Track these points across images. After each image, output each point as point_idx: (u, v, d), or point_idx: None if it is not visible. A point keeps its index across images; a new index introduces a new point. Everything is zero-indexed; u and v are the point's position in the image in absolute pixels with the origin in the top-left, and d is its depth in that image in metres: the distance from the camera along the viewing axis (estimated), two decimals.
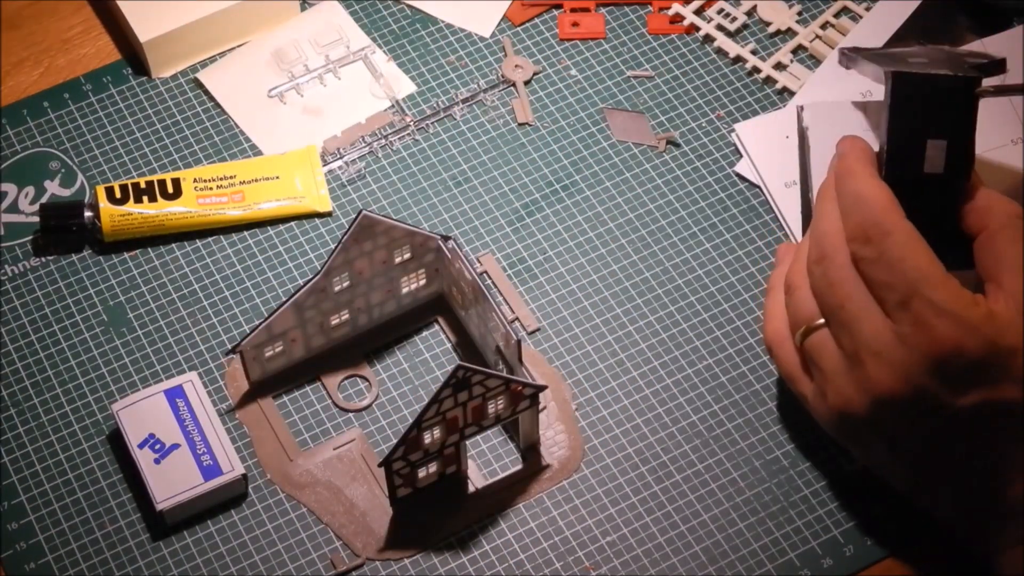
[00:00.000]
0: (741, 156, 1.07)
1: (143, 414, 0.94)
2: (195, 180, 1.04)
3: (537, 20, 1.14)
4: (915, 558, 0.91)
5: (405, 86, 1.10)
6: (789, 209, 1.03)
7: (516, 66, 1.11)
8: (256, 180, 1.05)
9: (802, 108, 0.98)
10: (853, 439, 0.90)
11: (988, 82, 0.91)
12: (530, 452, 0.95)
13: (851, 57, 1.00)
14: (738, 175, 1.06)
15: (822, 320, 0.88)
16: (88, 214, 1.03)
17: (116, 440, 0.96)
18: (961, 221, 0.88)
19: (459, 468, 0.93)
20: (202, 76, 1.11)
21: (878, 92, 1.07)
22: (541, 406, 0.95)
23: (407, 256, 0.97)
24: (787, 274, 0.91)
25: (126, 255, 1.04)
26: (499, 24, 1.13)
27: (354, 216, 0.94)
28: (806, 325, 0.89)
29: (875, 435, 0.87)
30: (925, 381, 0.84)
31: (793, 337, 0.90)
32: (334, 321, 0.97)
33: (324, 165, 1.07)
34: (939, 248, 0.85)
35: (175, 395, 0.95)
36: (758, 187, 1.05)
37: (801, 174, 0.98)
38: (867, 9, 1.12)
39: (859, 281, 0.86)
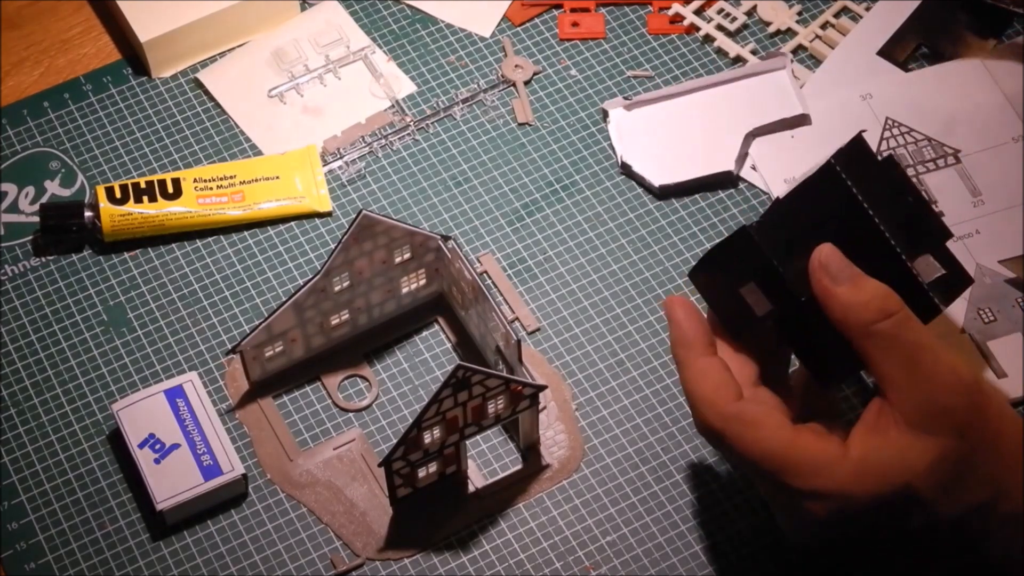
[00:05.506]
0: None
1: (143, 414, 0.94)
2: (195, 180, 1.04)
3: (537, 20, 1.14)
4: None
5: (405, 86, 1.10)
6: None
7: (516, 66, 1.11)
8: (256, 180, 1.05)
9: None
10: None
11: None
12: (530, 452, 0.95)
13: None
14: (740, 172, 1.06)
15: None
16: (88, 214, 1.03)
17: (116, 440, 0.96)
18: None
19: (459, 468, 0.93)
20: (202, 76, 1.11)
21: (879, 95, 1.08)
22: (541, 406, 0.95)
23: (407, 256, 0.97)
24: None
25: (126, 255, 1.04)
26: (499, 24, 1.13)
27: (354, 216, 0.94)
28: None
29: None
30: None
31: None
32: (334, 321, 0.97)
33: (324, 165, 1.07)
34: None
35: (175, 395, 0.95)
36: (758, 187, 1.05)
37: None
38: (867, 9, 1.12)
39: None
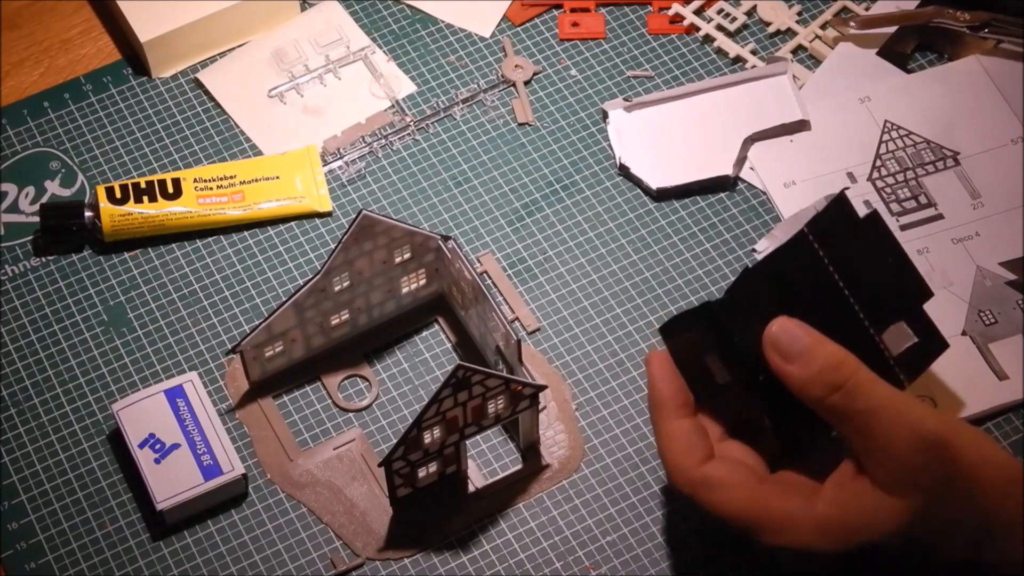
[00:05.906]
0: None
1: (143, 414, 0.94)
2: (195, 180, 1.04)
3: (537, 20, 1.14)
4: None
5: (405, 86, 1.10)
6: (789, 210, 1.03)
7: (516, 66, 1.11)
8: (256, 180, 1.05)
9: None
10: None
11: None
12: (530, 452, 0.95)
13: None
14: (738, 175, 1.06)
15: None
16: (88, 214, 1.03)
17: (116, 440, 0.96)
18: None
19: (459, 468, 0.93)
20: (202, 76, 1.11)
21: (877, 98, 1.07)
22: (541, 406, 0.96)
23: (407, 256, 0.97)
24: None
25: (126, 255, 1.04)
26: (499, 24, 1.13)
27: (354, 216, 0.94)
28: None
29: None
30: None
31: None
32: (334, 321, 0.97)
33: (324, 165, 1.07)
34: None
35: (175, 395, 0.95)
36: (757, 187, 1.05)
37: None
38: (867, 9, 1.13)
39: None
